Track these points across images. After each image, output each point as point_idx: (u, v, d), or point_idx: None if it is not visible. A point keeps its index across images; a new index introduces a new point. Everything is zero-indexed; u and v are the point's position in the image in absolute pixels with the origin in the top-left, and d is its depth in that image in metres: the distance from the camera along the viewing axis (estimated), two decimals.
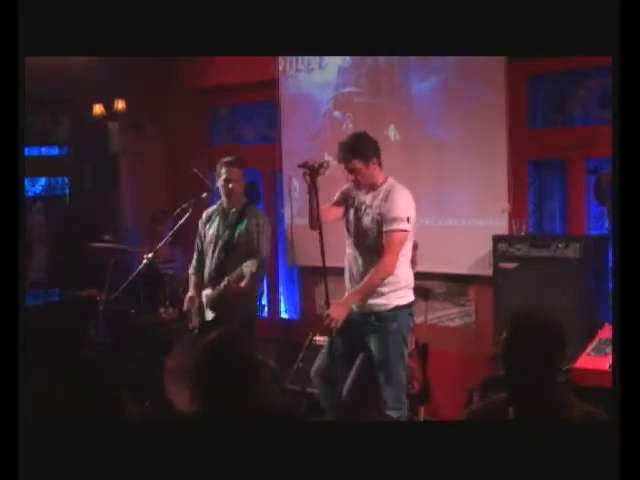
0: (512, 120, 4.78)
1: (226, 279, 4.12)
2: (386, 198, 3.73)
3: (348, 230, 3.87)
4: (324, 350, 3.90)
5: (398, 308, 3.76)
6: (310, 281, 5.96)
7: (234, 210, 4.27)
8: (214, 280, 4.26)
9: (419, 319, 4.76)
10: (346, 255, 3.92)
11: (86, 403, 2.27)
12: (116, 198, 6.75)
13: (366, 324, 3.78)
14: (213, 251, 4.35)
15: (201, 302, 4.34)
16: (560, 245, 4.27)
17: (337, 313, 3.63)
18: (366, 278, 3.71)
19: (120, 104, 6.70)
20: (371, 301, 3.74)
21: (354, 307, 3.77)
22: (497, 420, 2.10)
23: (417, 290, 4.07)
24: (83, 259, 6.05)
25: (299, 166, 3.80)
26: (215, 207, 4.46)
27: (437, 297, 5.14)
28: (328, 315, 3.63)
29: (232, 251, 4.24)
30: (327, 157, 5.37)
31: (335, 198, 3.95)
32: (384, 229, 3.67)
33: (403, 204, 3.73)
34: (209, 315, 4.26)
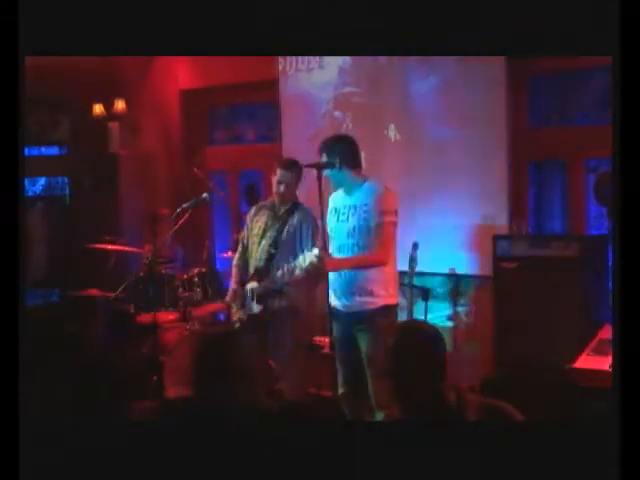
0: (512, 120, 4.78)
1: (279, 273, 4.14)
2: (371, 194, 3.77)
3: (333, 237, 3.88)
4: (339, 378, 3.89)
5: (387, 307, 3.78)
6: (310, 281, 5.95)
7: (284, 208, 4.30)
8: (260, 274, 4.27)
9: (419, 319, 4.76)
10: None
11: (86, 403, 2.27)
12: (116, 198, 6.75)
13: (354, 323, 3.80)
14: (259, 245, 4.35)
15: (244, 294, 4.33)
16: (560, 245, 4.27)
17: (329, 264, 3.68)
18: (361, 254, 3.74)
19: (120, 104, 6.71)
20: (359, 299, 3.77)
21: (342, 307, 3.80)
22: (494, 421, 2.10)
23: (417, 290, 4.07)
24: (83, 259, 6.05)
25: (307, 166, 3.85)
26: (265, 202, 4.46)
27: (437, 297, 5.14)
28: (323, 260, 3.66)
29: (280, 246, 4.26)
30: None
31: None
32: (375, 223, 3.71)
33: (390, 198, 3.78)
34: (255, 308, 4.26)
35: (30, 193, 7.15)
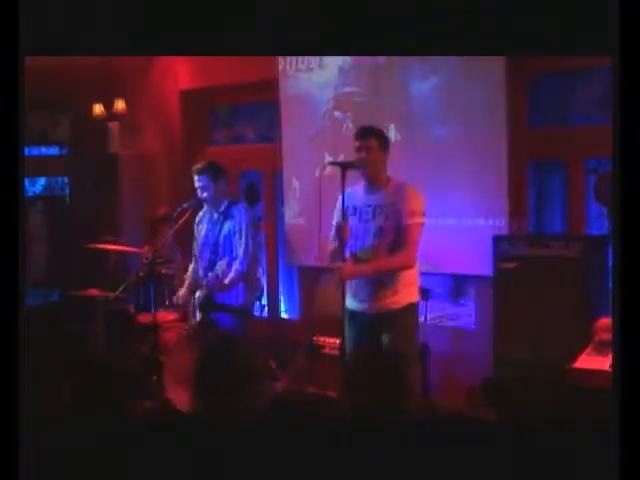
0: (512, 120, 4.78)
1: (205, 280, 4.16)
2: (400, 193, 3.72)
3: (354, 237, 3.79)
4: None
5: (410, 306, 3.75)
6: (310, 281, 5.96)
7: (219, 212, 4.29)
8: (202, 281, 4.29)
9: (419, 319, 4.76)
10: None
11: (86, 403, 2.27)
12: (116, 198, 6.75)
13: (379, 324, 3.76)
14: (201, 252, 4.38)
15: (193, 302, 4.36)
16: (560, 245, 4.27)
17: (347, 272, 3.62)
18: (386, 258, 3.68)
19: (120, 104, 6.71)
20: (385, 300, 3.72)
21: (362, 309, 3.76)
22: (498, 420, 2.10)
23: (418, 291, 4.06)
24: (83, 259, 6.05)
25: (330, 164, 3.85)
26: (205, 209, 4.48)
27: (437, 297, 5.14)
28: (340, 268, 3.61)
29: (217, 252, 4.26)
30: (327, 157, 5.39)
31: (332, 232, 3.86)
32: (404, 223, 3.66)
33: (418, 198, 3.73)
34: (198, 316, 4.28)
35: (30, 193, 7.15)
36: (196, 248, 4.50)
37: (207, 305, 4.23)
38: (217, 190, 4.27)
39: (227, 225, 4.26)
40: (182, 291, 4.46)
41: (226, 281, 4.06)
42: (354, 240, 3.77)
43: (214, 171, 4.28)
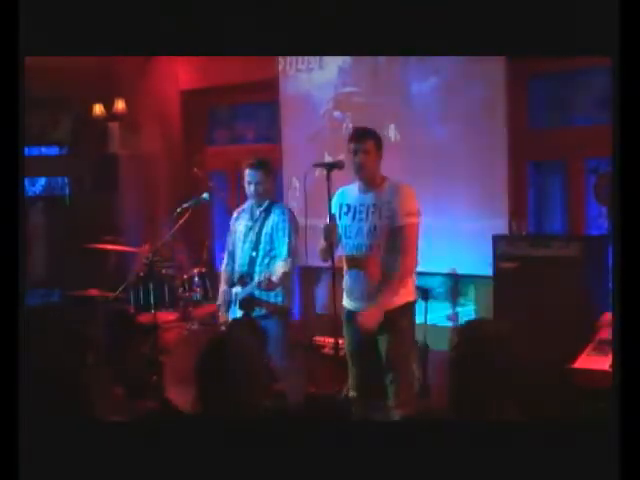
0: (512, 120, 4.78)
1: (255, 280, 4.13)
2: (395, 193, 3.69)
3: (348, 236, 3.79)
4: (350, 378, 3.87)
5: (406, 305, 3.74)
6: (310, 281, 5.96)
7: (261, 208, 4.29)
8: (242, 278, 4.28)
9: (419, 319, 4.76)
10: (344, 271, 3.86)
11: (86, 403, 2.27)
12: (116, 198, 6.75)
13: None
14: (241, 249, 4.36)
15: (230, 299, 4.34)
16: (560, 245, 4.27)
17: (370, 322, 3.60)
18: (396, 275, 3.64)
19: (120, 104, 6.71)
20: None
21: (359, 309, 3.74)
22: (496, 420, 2.10)
23: (417, 290, 4.06)
24: (83, 259, 6.05)
25: (315, 165, 3.82)
26: (245, 206, 4.46)
27: (437, 297, 5.14)
28: (362, 325, 3.60)
29: (259, 248, 4.25)
30: (327, 157, 5.40)
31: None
32: (398, 224, 3.64)
33: (413, 197, 3.70)
34: (237, 313, 4.26)
35: (30, 193, 7.16)
36: (232, 243, 4.47)
37: (250, 302, 4.20)
38: (267, 186, 4.27)
39: (269, 222, 4.25)
40: (222, 287, 4.42)
41: (274, 279, 4.02)
42: (347, 239, 3.76)
43: (268, 167, 4.29)
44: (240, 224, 4.41)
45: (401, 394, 3.73)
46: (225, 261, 4.52)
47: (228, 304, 4.33)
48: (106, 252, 5.64)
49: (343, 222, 3.78)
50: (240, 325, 4.18)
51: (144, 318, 5.11)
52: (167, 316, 5.21)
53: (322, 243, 3.77)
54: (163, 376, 4.69)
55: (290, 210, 4.31)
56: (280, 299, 4.23)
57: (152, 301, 5.09)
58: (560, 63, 4.55)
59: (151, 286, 5.28)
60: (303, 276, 6.12)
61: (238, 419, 2.12)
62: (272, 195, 4.35)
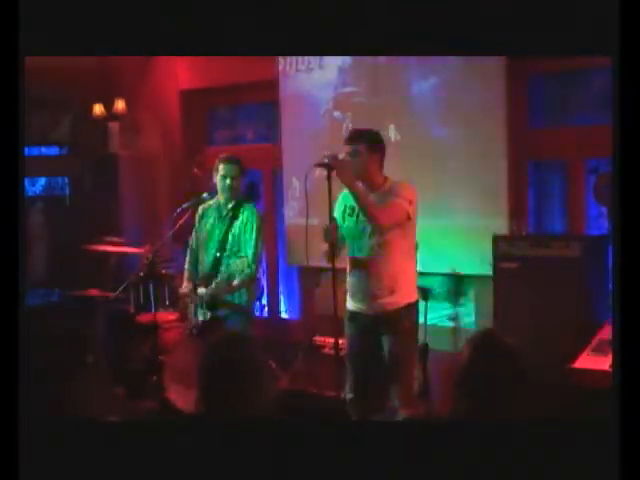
0: (512, 120, 4.78)
1: (215, 281, 4.10)
2: (391, 192, 3.68)
3: (351, 237, 3.77)
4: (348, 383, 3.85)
5: (409, 306, 3.74)
6: (310, 281, 5.96)
7: (229, 207, 4.25)
8: (208, 278, 4.23)
9: (419, 319, 4.76)
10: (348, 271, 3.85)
11: (86, 403, 2.27)
12: (116, 198, 6.75)
13: (378, 324, 3.74)
14: (206, 248, 4.32)
15: (195, 301, 4.30)
16: (560, 245, 4.27)
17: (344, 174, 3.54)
18: (385, 254, 3.64)
19: (120, 104, 6.71)
20: (382, 300, 3.70)
21: (361, 310, 3.74)
22: (497, 420, 2.10)
23: (417, 290, 4.06)
24: (83, 259, 6.05)
25: (316, 165, 3.81)
26: (211, 202, 4.42)
27: (437, 297, 5.14)
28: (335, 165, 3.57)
29: (224, 248, 4.21)
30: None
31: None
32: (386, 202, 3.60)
33: (409, 189, 3.67)
34: (205, 315, 4.22)
35: (30, 193, 7.16)
36: (196, 241, 4.43)
37: (214, 303, 4.18)
38: (237, 184, 4.25)
39: (236, 223, 4.21)
40: (185, 284, 4.39)
41: (235, 283, 4.01)
42: (352, 240, 3.76)
43: (241, 164, 4.28)
44: (207, 222, 4.36)
45: (405, 395, 3.73)
46: (188, 259, 4.48)
47: (194, 306, 4.28)
48: (106, 252, 5.64)
49: (347, 224, 3.78)
50: (213, 326, 4.15)
51: (144, 318, 5.11)
52: (167, 316, 5.21)
53: (325, 245, 3.76)
54: (163, 376, 4.69)
55: (259, 210, 4.29)
56: (244, 299, 4.21)
57: (152, 301, 5.09)
58: (560, 63, 4.55)
59: (151, 286, 5.28)
60: (303, 276, 6.12)
61: (238, 419, 2.12)
62: (240, 195, 4.33)
